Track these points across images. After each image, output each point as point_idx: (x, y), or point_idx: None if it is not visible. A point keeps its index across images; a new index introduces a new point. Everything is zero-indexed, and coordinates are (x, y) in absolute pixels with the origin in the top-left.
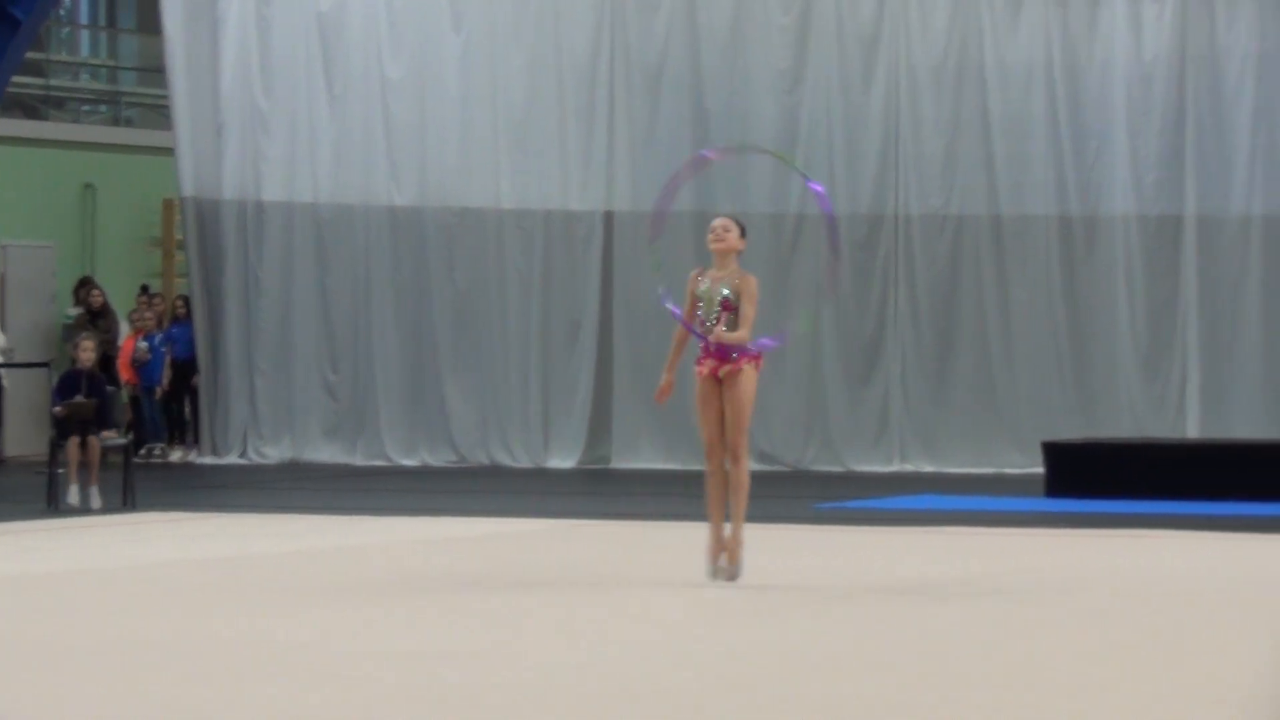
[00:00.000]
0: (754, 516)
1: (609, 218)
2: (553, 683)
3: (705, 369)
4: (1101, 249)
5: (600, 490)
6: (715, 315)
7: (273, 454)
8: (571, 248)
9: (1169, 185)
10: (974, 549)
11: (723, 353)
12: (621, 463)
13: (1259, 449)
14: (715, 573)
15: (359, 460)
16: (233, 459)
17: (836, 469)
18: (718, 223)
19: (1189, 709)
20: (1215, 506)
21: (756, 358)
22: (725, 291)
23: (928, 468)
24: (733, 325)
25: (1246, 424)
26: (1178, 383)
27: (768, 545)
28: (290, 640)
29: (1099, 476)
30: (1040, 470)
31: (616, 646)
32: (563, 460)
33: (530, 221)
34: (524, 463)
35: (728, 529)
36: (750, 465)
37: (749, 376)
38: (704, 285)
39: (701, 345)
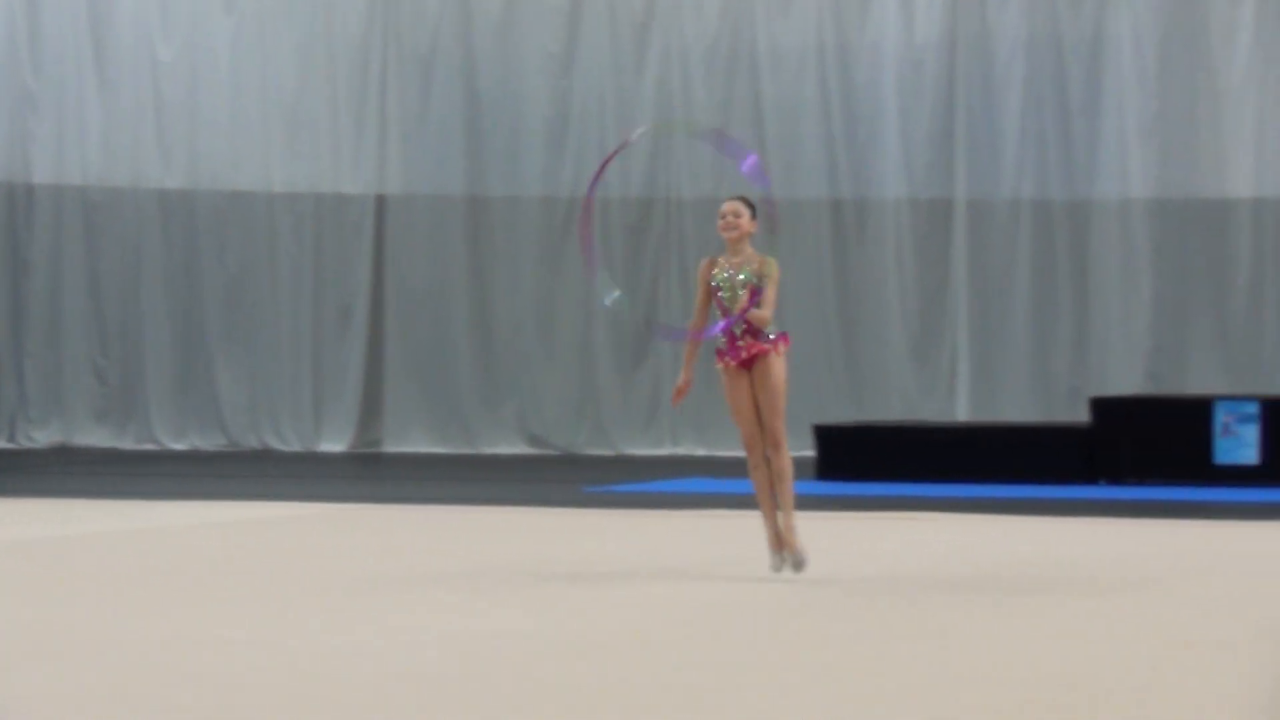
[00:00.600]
0: (522, 500)
1: (381, 201)
2: (325, 670)
3: (732, 360)
4: (872, 232)
5: (371, 474)
6: (740, 303)
7: (41, 437)
8: (343, 231)
9: (939, 169)
10: (744, 532)
11: (749, 344)
12: (393, 446)
13: (1027, 431)
14: (779, 564)
15: (129, 444)
16: (0, 443)
17: (608, 452)
18: (726, 207)
19: (931, 691)
20: (985, 489)
21: (782, 340)
22: (744, 277)
23: (699, 451)
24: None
25: (1015, 407)
26: (947, 366)
27: (536, 529)
28: (65, 625)
29: (869, 459)
30: (811, 453)
31: (389, 634)
32: (334, 444)
33: (302, 205)
34: (295, 446)
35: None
36: (516, 449)
37: (778, 362)
38: (722, 273)
39: (725, 338)
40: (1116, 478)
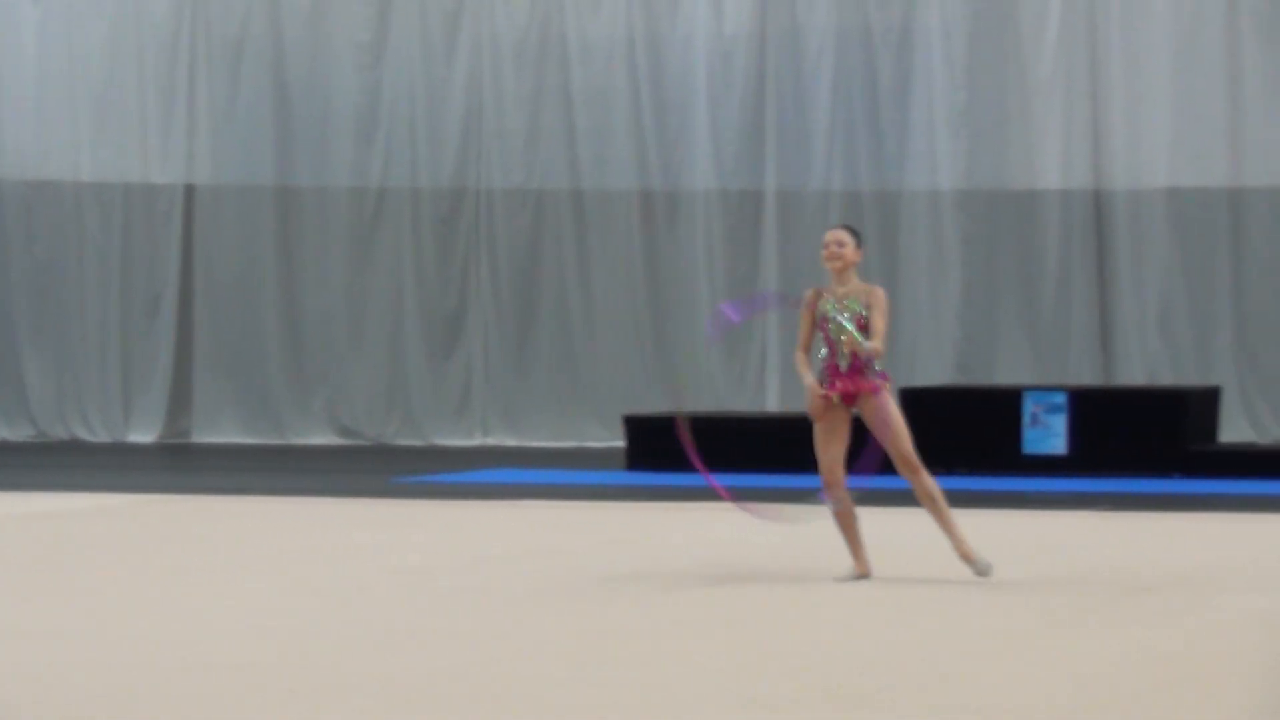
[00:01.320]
0: (331, 491)
1: (190, 191)
2: (133, 660)
3: (834, 392)
4: (683, 223)
5: (180, 465)
6: (849, 336)
7: None
8: (152, 221)
9: (749, 160)
10: (554, 522)
11: (855, 380)
12: (202, 437)
13: None
14: (849, 577)
15: None
16: None
17: (418, 443)
18: (830, 236)
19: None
20: (794, 479)
21: (885, 379)
22: (856, 309)
23: (510, 441)
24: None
25: None
26: (758, 357)
27: (343, 520)
28: None
29: (679, 450)
30: (621, 444)
31: (197, 624)
32: (143, 434)
33: (110, 195)
34: (103, 437)
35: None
36: (327, 440)
37: (888, 399)
38: (828, 305)
39: (829, 372)
40: (926, 468)
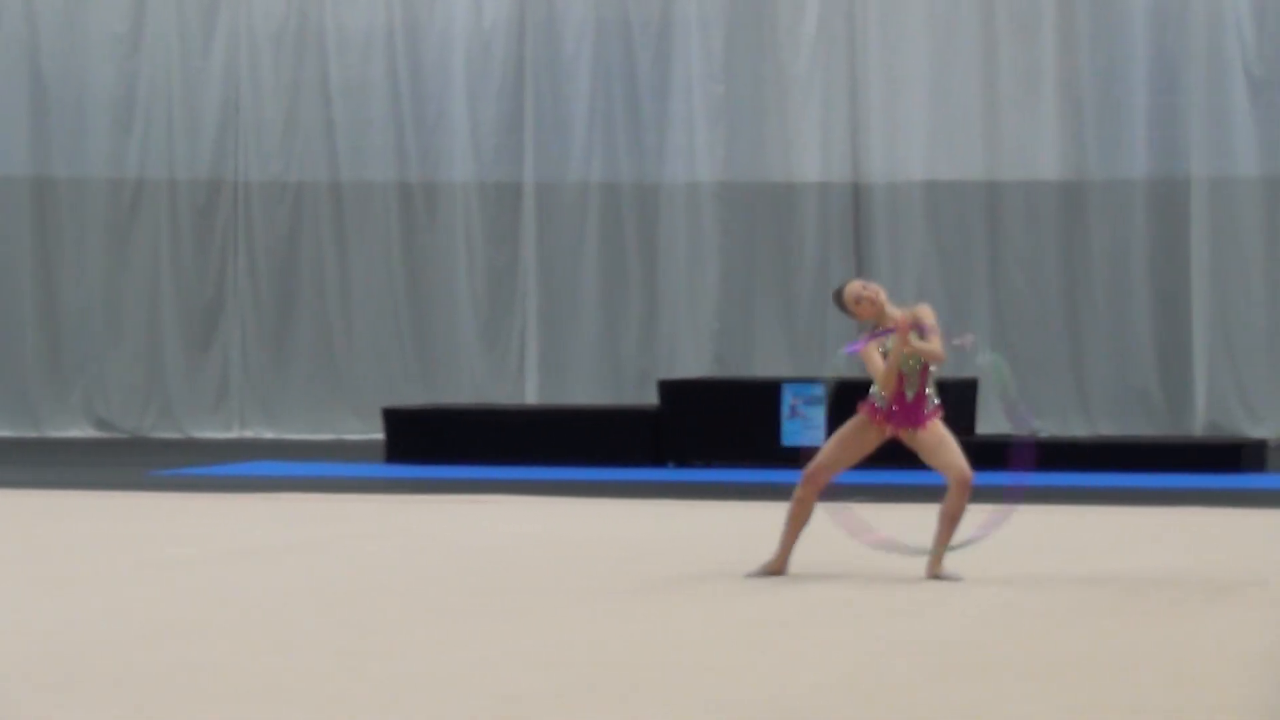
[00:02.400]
0: (86, 484)
1: None
2: None
3: (883, 420)
4: (442, 216)
5: None
6: (918, 371)
7: None
8: None
9: (508, 151)
10: (313, 514)
11: (912, 415)
12: None
13: (596, 414)
14: (756, 574)
15: None
16: None
17: (176, 436)
18: (858, 293)
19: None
20: (554, 471)
21: (938, 410)
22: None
23: (268, 434)
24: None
25: (584, 390)
26: (517, 349)
27: (99, 514)
28: None
29: (439, 442)
30: (380, 436)
31: None
32: None
33: None
34: None
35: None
36: (84, 433)
37: (936, 425)
38: (887, 347)
39: (895, 399)
40: (684, 460)
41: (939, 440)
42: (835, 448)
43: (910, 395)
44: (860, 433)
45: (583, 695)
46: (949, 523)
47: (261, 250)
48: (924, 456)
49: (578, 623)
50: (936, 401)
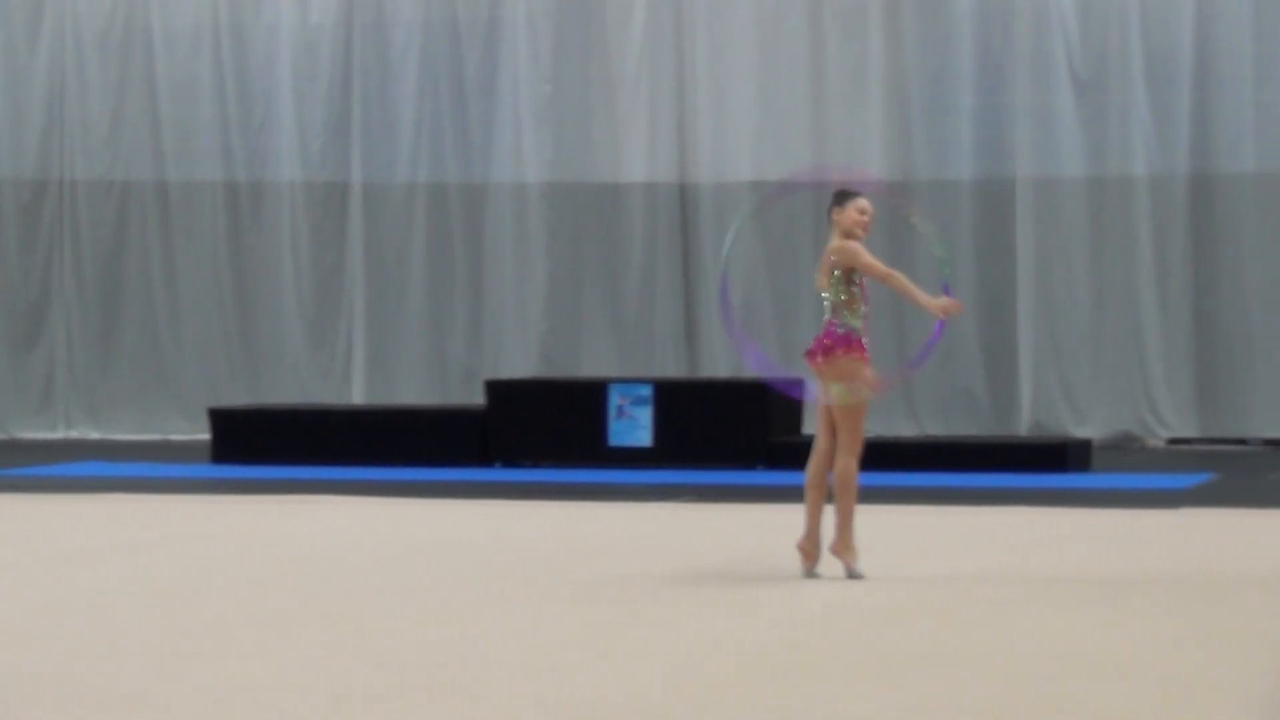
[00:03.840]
0: None
1: None
2: None
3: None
4: (268, 216)
5: None
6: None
7: None
8: None
9: (335, 152)
10: (139, 515)
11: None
12: None
13: (423, 414)
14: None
15: None
16: None
17: (0, 436)
18: (861, 207)
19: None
20: (382, 471)
21: (843, 344)
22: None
23: (94, 434)
24: (850, 300)
25: (411, 390)
26: (343, 349)
27: None
28: None
29: (266, 442)
30: (207, 437)
31: None
32: None
33: None
34: None
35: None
36: None
37: (837, 363)
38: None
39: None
40: (511, 460)
41: (834, 381)
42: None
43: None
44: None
45: (411, 695)
46: (839, 492)
47: (87, 249)
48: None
49: (406, 623)
50: (843, 332)
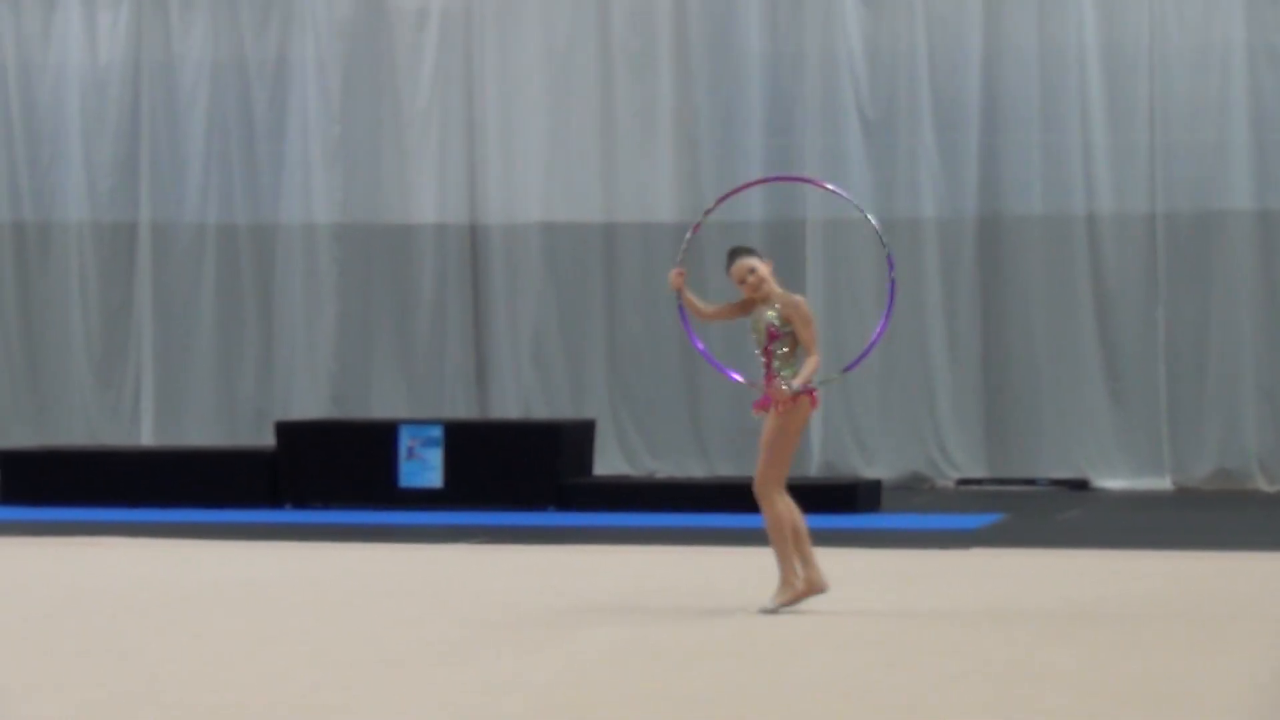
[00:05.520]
0: None
1: None
2: None
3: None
4: (56, 256)
5: None
6: (763, 345)
7: None
8: None
9: (123, 192)
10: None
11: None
12: None
13: (212, 455)
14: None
15: None
16: None
17: None
18: (741, 269)
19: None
20: (171, 513)
21: (792, 398)
22: (770, 315)
23: None
24: (786, 358)
25: (200, 431)
26: (131, 389)
27: None
28: None
29: (53, 483)
30: None
31: None
32: None
33: None
34: None
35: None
36: None
37: (784, 416)
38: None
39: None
40: (302, 501)
41: (773, 435)
42: (791, 450)
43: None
44: (806, 419)
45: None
46: (791, 538)
47: None
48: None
49: (194, 665)
50: (791, 387)
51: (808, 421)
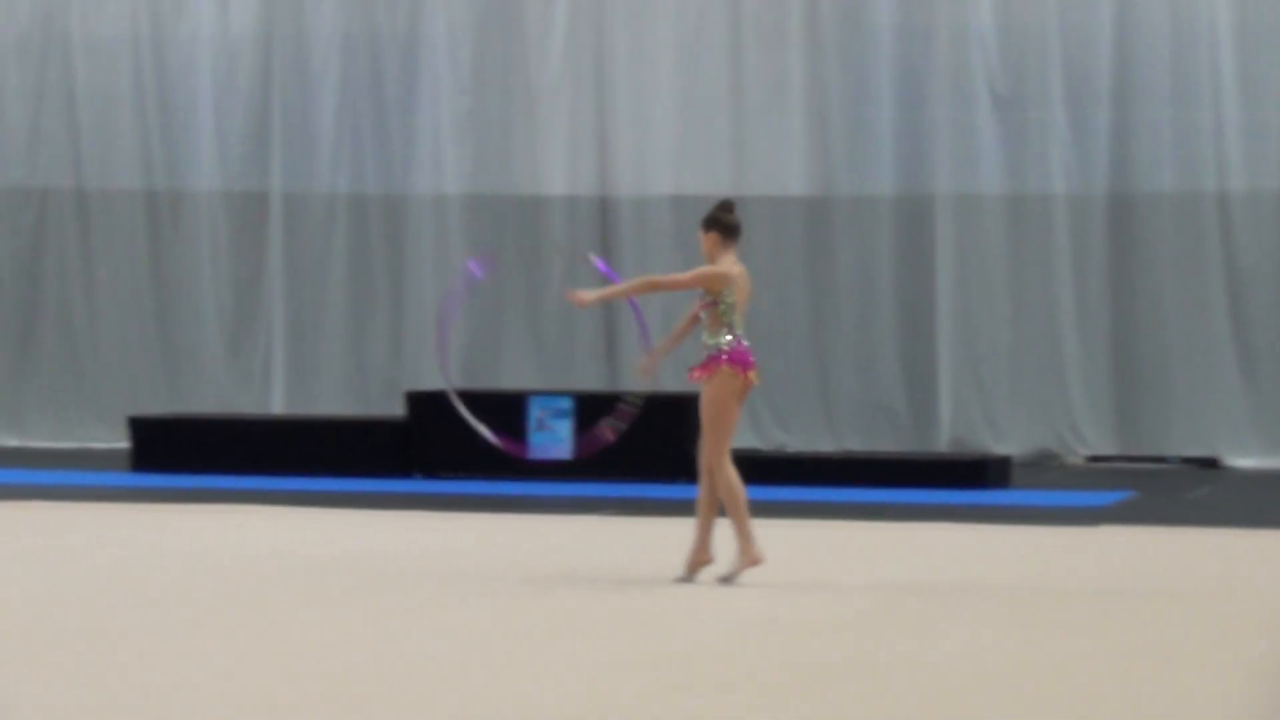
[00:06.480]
0: None
1: None
2: None
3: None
4: (187, 224)
5: None
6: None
7: None
8: None
9: (254, 162)
10: (54, 523)
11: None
12: None
13: (343, 425)
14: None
15: None
16: None
17: None
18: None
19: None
20: (302, 482)
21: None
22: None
23: (12, 442)
24: (707, 322)
25: (331, 400)
26: (262, 358)
27: None
28: None
29: (185, 451)
30: (126, 445)
31: None
32: None
33: None
34: None
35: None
36: None
37: (711, 380)
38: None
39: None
40: (432, 471)
41: (707, 406)
42: (729, 419)
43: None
44: (741, 388)
45: (326, 706)
46: (730, 510)
47: (5, 257)
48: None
49: (324, 634)
50: (717, 351)
51: (745, 392)
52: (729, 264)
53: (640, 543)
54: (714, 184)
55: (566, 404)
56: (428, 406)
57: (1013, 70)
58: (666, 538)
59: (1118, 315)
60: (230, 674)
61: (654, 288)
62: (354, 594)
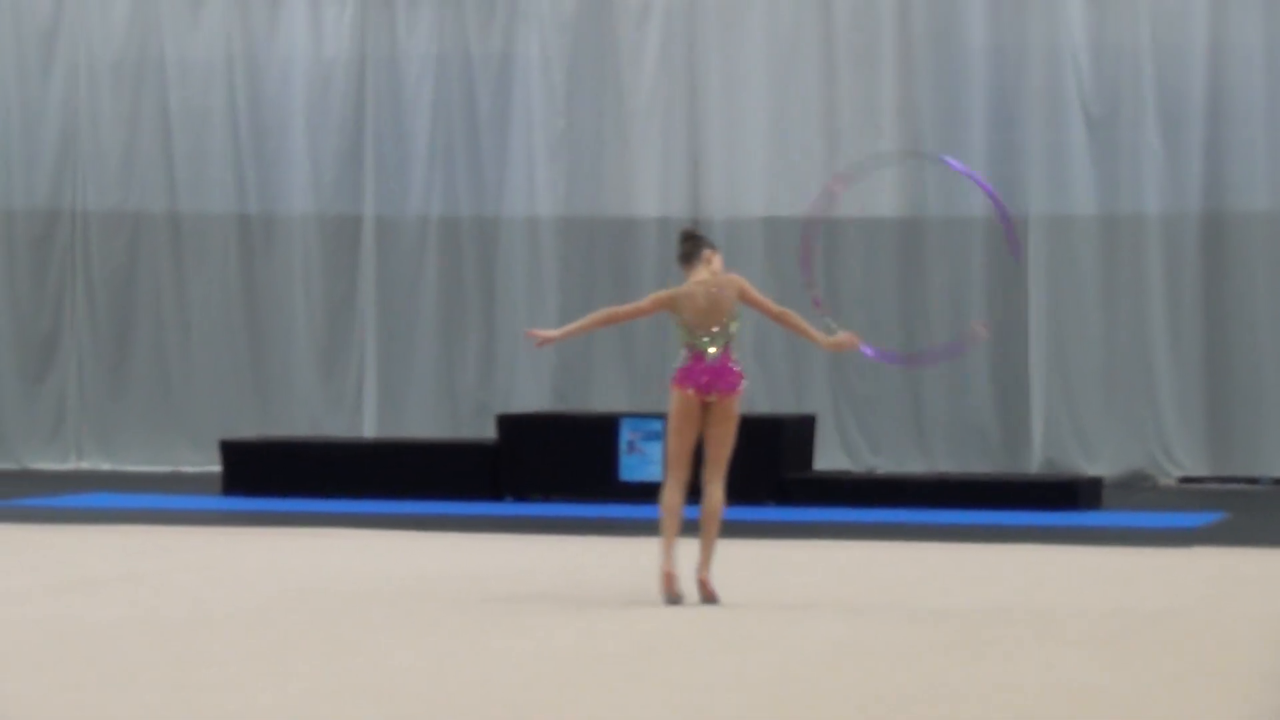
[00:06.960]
0: None
1: None
2: None
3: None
4: (280, 247)
5: None
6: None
7: None
8: None
9: (347, 185)
10: (147, 546)
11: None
12: None
13: (434, 448)
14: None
15: None
16: None
17: (11, 467)
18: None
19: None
20: (393, 505)
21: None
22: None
23: (105, 465)
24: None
25: (422, 423)
26: (354, 382)
27: None
28: None
29: (276, 474)
30: (218, 468)
31: None
32: None
33: None
34: None
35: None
36: None
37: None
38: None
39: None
40: (523, 494)
41: (733, 416)
42: (673, 438)
43: (714, 358)
44: (684, 406)
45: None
46: (711, 521)
47: (99, 281)
48: (712, 424)
49: (414, 656)
50: (739, 369)
51: (687, 412)
52: (690, 284)
53: (728, 566)
54: (806, 205)
55: (658, 426)
56: (518, 429)
57: (1106, 90)
58: (756, 561)
59: (1210, 335)
60: (323, 697)
61: (613, 319)
62: (445, 617)
